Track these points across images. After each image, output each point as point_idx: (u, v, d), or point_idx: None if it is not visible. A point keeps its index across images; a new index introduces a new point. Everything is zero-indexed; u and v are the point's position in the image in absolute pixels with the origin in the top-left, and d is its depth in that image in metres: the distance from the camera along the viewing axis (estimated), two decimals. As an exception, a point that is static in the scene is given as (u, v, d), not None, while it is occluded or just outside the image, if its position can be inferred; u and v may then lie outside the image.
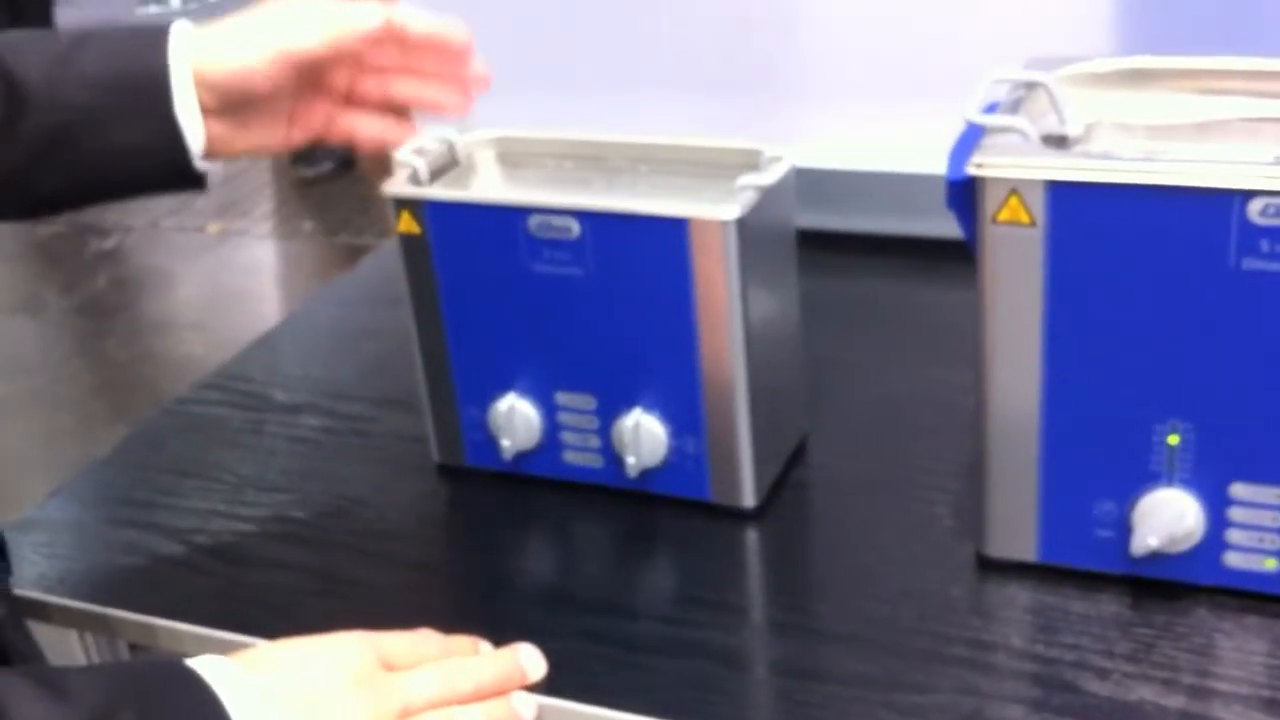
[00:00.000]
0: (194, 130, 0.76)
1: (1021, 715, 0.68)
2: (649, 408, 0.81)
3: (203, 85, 0.76)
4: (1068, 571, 0.75)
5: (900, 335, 1.02)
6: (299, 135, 0.81)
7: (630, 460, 0.81)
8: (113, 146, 0.75)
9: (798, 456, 0.88)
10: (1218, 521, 0.71)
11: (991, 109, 0.73)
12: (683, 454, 0.82)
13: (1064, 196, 0.66)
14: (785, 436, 0.87)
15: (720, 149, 0.82)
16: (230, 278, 3.31)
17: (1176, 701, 0.67)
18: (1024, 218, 0.68)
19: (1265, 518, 0.70)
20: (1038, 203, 0.67)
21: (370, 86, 0.82)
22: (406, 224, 0.82)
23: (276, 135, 0.80)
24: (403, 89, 0.83)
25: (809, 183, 1.09)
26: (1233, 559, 0.71)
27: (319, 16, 0.77)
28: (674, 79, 1.10)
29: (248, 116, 0.79)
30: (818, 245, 1.06)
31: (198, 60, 0.76)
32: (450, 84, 0.82)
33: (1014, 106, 0.74)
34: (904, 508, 0.83)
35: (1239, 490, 0.70)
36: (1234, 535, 0.71)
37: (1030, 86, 0.75)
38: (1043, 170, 0.67)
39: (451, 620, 0.78)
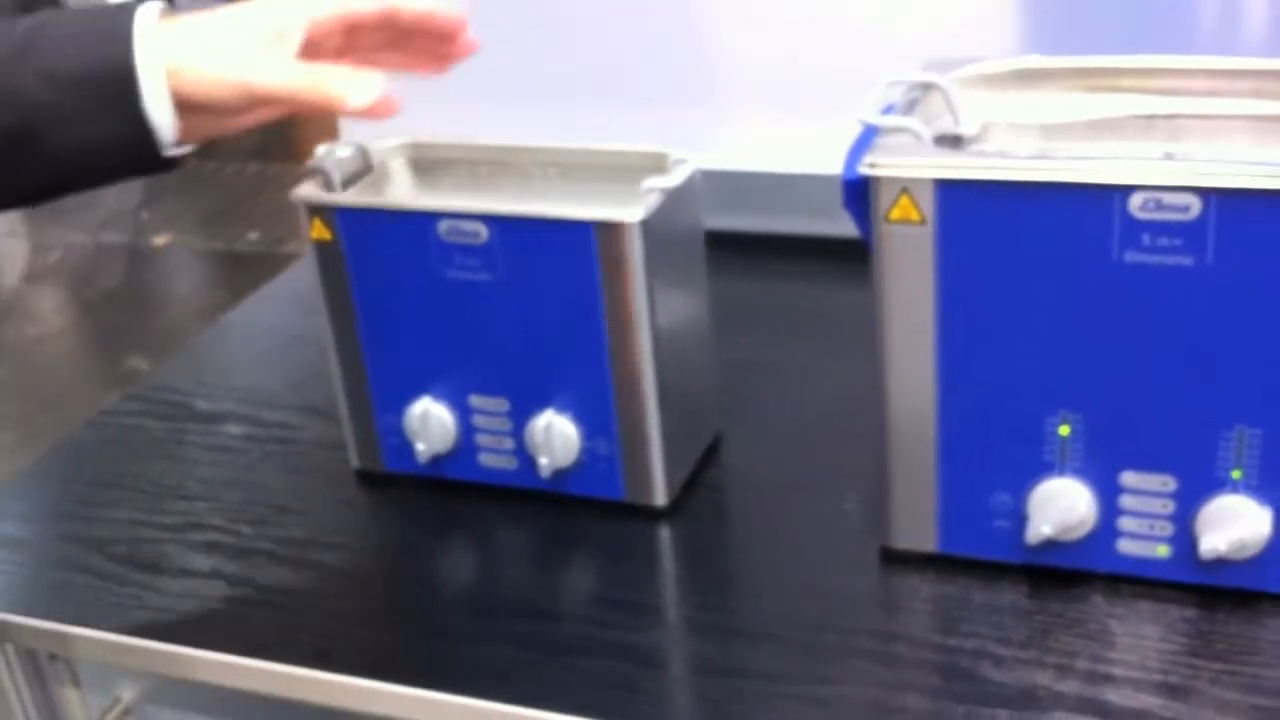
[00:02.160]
0: (165, 124, 0.71)
1: (921, 703, 0.69)
2: (561, 409, 0.82)
3: (172, 91, 0.71)
4: (968, 561, 0.76)
5: (815, 334, 1.04)
6: (277, 112, 0.78)
7: (543, 461, 0.82)
8: (78, 144, 0.71)
9: (711, 455, 0.90)
10: (1110, 510, 0.72)
11: (889, 110, 0.75)
12: (595, 454, 0.83)
13: (952, 195, 0.68)
14: (698, 436, 0.88)
15: (627, 153, 0.83)
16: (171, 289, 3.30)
17: (1071, 686, 0.69)
18: (915, 216, 0.69)
19: (1155, 505, 0.72)
20: (927, 201, 0.69)
21: (353, 60, 0.79)
22: (319, 230, 0.83)
23: (254, 117, 0.77)
24: (386, 61, 0.80)
25: (727, 186, 1.12)
26: (1125, 546, 0.73)
27: (295, 30, 0.73)
28: (593, 87, 1.11)
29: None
30: (735, 247, 1.08)
31: (166, 63, 0.71)
32: (435, 59, 0.81)
33: (909, 108, 0.76)
34: (815, 504, 0.85)
35: (1129, 479, 0.72)
36: (1126, 523, 0.73)
37: (926, 88, 0.77)
38: (931, 169, 0.68)
39: (372, 626, 0.79)
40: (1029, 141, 0.78)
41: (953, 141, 0.77)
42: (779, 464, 0.89)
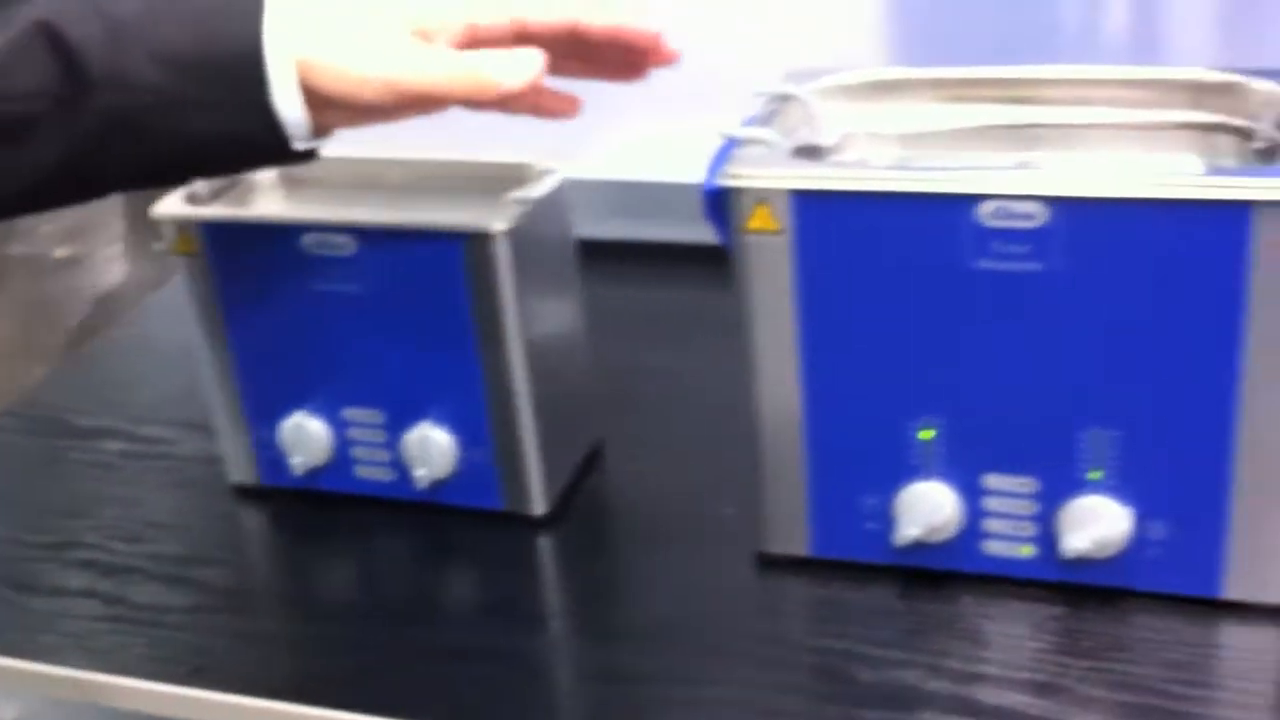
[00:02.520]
0: (296, 118, 0.64)
1: (798, 705, 0.70)
2: (436, 420, 0.82)
3: (305, 86, 0.65)
4: (841, 564, 0.77)
5: (697, 340, 1.04)
6: (431, 108, 0.69)
7: (419, 473, 0.82)
8: (195, 133, 0.64)
9: (593, 463, 0.90)
10: (975, 511, 0.73)
11: (750, 122, 0.76)
12: (472, 464, 0.83)
13: (808, 205, 0.69)
14: (577, 444, 0.88)
15: (497, 164, 0.83)
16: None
17: (942, 686, 0.70)
18: (772, 226, 0.70)
19: (1018, 506, 0.73)
20: (784, 211, 0.69)
21: None
22: (184, 244, 0.82)
23: (405, 114, 0.69)
24: (570, 69, 0.74)
25: (606, 195, 1.12)
26: (992, 547, 0.74)
27: (449, 32, 0.67)
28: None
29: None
30: (617, 255, 1.09)
31: (300, 62, 0.64)
32: (628, 68, 0.74)
33: (769, 119, 0.76)
34: (695, 509, 0.85)
35: (992, 481, 0.73)
36: (991, 524, 0.74)
37: (786, 99, 0.78)
38: (787, 180, 0.69)
39: (248, 641, 0.78)
40: (888, 151, 0.79)
41: (813, 152, 0.78)
42: (660, 470, 0.89)
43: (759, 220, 0.70)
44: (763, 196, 0.69)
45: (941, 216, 0.67)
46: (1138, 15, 1.00)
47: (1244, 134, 0.74)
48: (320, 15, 0.65)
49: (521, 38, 0.69)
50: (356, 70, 0.64)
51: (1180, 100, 0.76)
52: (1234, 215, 0.63)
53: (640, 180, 1.12)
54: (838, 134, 0.79)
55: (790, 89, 0.78)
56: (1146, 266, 0.65)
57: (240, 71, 0.63)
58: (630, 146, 1.14)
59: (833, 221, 0.69)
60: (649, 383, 0.99)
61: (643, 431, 0.93)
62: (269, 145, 0.65)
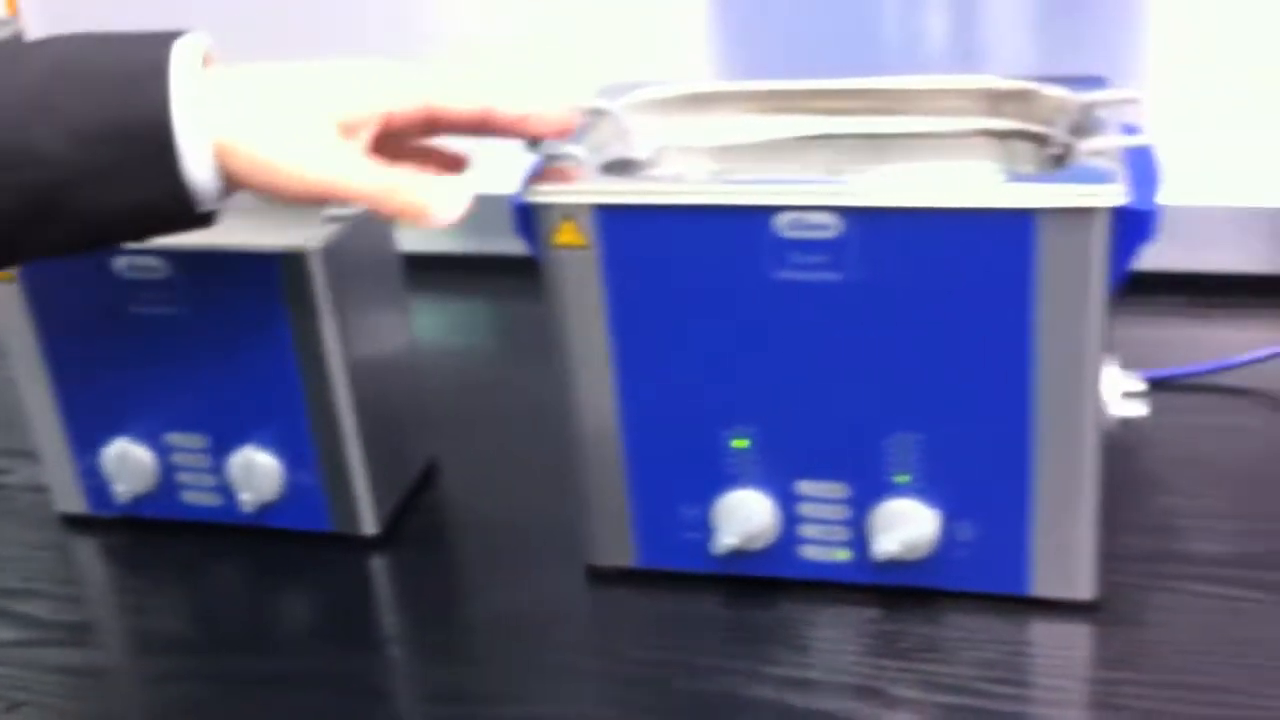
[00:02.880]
0: (208, 189, 0.63)
1: (618, 716, 0.71)
2: (260, 443, 0.82)
3: (222, 167, 0.63)
4: (666, 574, 0.78)
5: (536, 354, 1.03)
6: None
7: (244, 497, 0.82)
8: (109, 205, 0.62)
9: (428, 480, 0.90)
10: (791, 518, 0.74)
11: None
12: (299, 487, 0.82)
13: (613, 219, 0.69)
14: (408, 462, 0.88)
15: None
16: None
17: (761, 692, 0.71)
18: (579, 240, 0.70)
19: (831, 512, 0.74)
20: (589, 226, 0.70)
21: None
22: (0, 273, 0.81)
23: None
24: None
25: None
26: (809, 552, 0.75)
27: (368, 124, 0.66)
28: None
29: None
30: (457, 269, 1.09)
31: (219, 143, 0.62)
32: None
33: (583, 134, 0.77)
34: (529, 524, 0.85)
35: (805, 487, 0.74)
36: (807, 529, 0.75)
37: (600, 114, 0.79)
38: (590, 195, 0.69)
39: (72, 673, 0.77)
40: (701, 164, 0.80)
41: (625, 166, 0.78)
42: (496, 485, 0.90)
43: (566, 235, 0.70)
44: (568, 212, 0.70)
45: (740, 229, 0.68)
46: (957, 25, 1.02)
47: (1040, 140, 0.76)
48: (241, 95, 0.63)
49: (431, 123, 0.68)
50: (281, 167, 0.63)
51: (980, 108, 0.78)
52: (1018, 223, 0.64)
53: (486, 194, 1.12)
54: (651, 148, 0.80)
55: (603, 104, 0.79)
56: (938, 274, 0.66)
57: (150, 141, 0.61)
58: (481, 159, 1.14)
59: (637, 235, 0.70)
60: (485, 397, 0.99)
61: (479, 446, 0.93)
62: (178, 213, 0.64)
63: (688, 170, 0.80)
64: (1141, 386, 0.76)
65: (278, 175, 0.63)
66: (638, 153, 0.79)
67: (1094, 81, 0.76)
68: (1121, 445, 0.85)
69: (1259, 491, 0.81)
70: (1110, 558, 0.76)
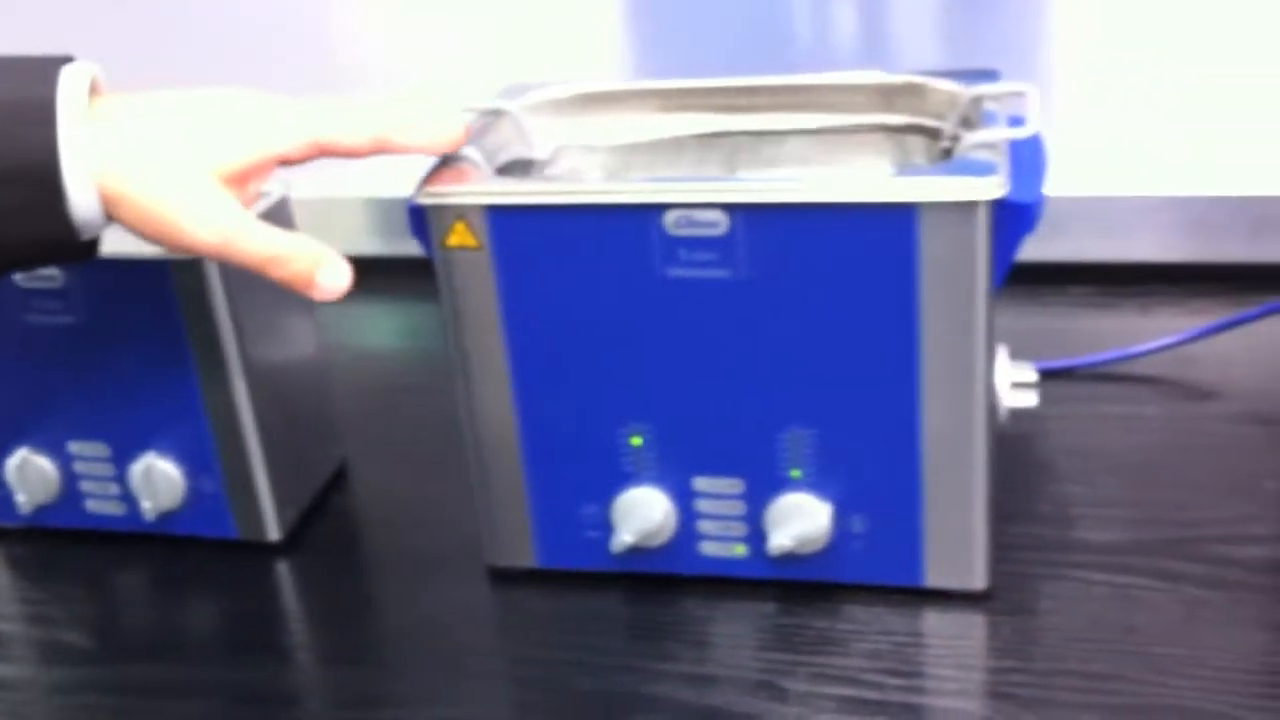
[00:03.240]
0: (96, 222, 0.63)
1: (516, 717, 0.71)
2: (161, 451, 0.81)
3: (108, 213, 0.63)
4: (568, 574, 0.78)
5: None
6: None
7: (146, 505, 0.81)
8: None
9: (338, 483, 0.90)
10: (689, 514, 0.75)
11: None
12: (201, 494, 0.82)
13: (504, 220, 0.69)
14: (314, 466, 0.88)
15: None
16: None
17: (663, 689, 0.71)
18: (471, 242, 0.70)
19: (728, 507, 0.74)
20: (481, 227, 0.70)
21: None
22: (-111, 284, 0.80)
23: None
24: None
25: (371, 212, 1.12)
26: (708, 548, 0.76)
27: (261, 172, 0.67)
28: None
29: None
30: (378, 271, 1.08)
31: (101, 185, 0.62)
32: None
33: (482, 134, 0.77)
34: (437, 526, 0.85)
35: (701, 483, 0.74)
36: (705, 526, 0.75)
37: (499, 114, 0.79)
38: (480, 196, 0.69)
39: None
40: (599, 163, 0.80)
41: (524, 166, 0.78)
42: (406, 487, 0.90)
43: (458, 236, 0.70)
44: (459, 213, 0.70)
45: (629, 227, 0.68)
46: (865, 22, 1.03)
47: (932, 134, 0.77)
48: (128, 143, 0.63)
49: (323, 155, 0.68)
50: (170, 228, 0.63)
51: (875, 104, 0.79)
52: (900, 217, 0.65)
53: (398, 197, 1.12)
54: (550, 148, 0.80)
55: (502, 104, 0.79)
56: (824, 270, 0.67)
57: (38, 186, 0.61)
58: (391, 164, 1.14)
59: (528, 235, 0.70)
60: (398, 399, 0.99)
61: (390, 449, 0.93)
62: (66, 247, 0.64)
63: (586, 169, 0.80)
64: (1033, 377, 0.77)
65: (165, 233, 0.64)
66: (537, 153, 0.80)
67: (986, 75, 0.77)
68: (1021, 435, 0.87)
69: (1155, 479, 0.82)
70: (1005, 547, 0.77)
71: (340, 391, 0.94)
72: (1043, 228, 1.05)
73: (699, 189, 0.67)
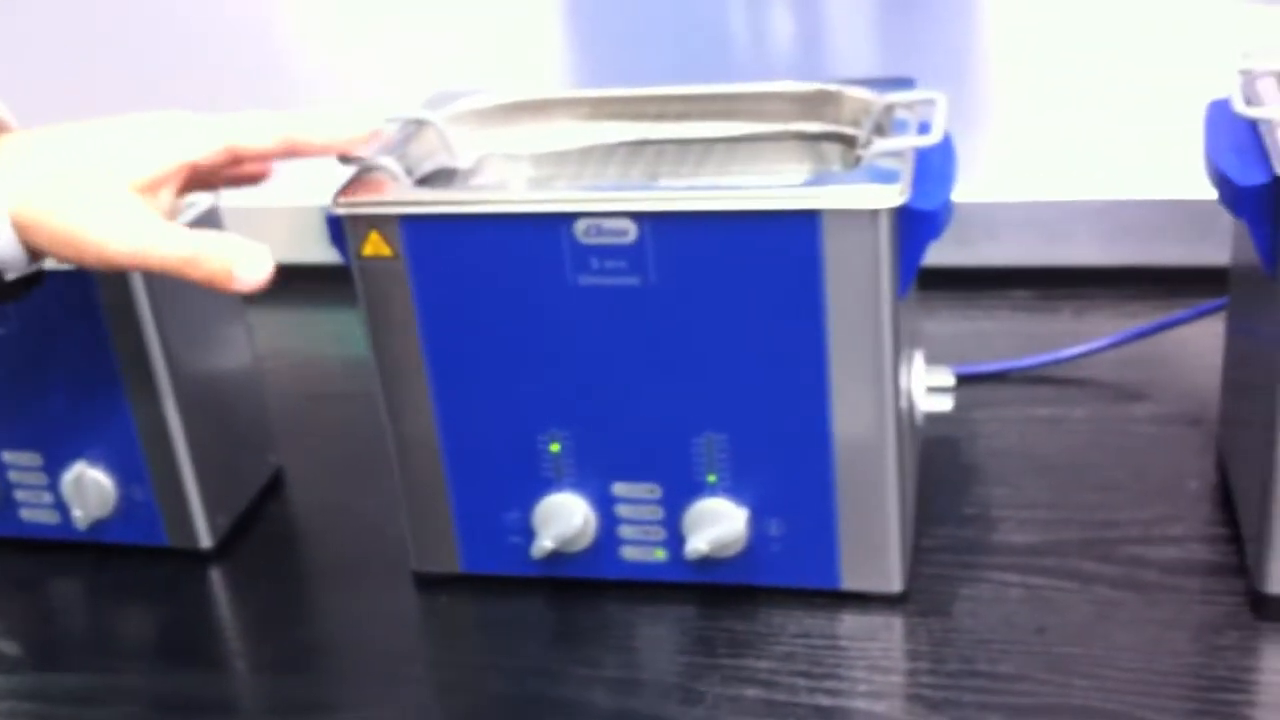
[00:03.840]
0: (15, 259, 0.64)
1: (437, 722, 0.72)
2: (92, 460, 0.82)
3: (23, 241, 0.64)
4: (492, 579, 0.79)
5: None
6: None
7: (77, 514, 0.82)
8: None
9: (273, 491, 0.90)
10: (609, 519, 0.75)
11: (382, 148, 0.77)
12: (133, 502, 0.82)
13: (418, 229, 0.70)
14: (247, 474, 0.88)
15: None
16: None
17: (582, 693, 0.71)
18: (386, 251, 0.71)
19: (647, 512, 0.75)
20: (395, 237, 0.70)
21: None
22: None
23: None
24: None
25: (317, 218, 1.12)
26: (629, 552, 0.76)
27: (171, 179, 0.67)
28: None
29: None
30: (318, 279, 1.09)
31: (13, 213, 0.63)
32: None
33: (404, 144, 0.77)
34: (368, 532, 0.86)
35: (620, 489, 0.75)
36: (625, 530, 0.76)
37: (421, 124, 0.79)
38: (394, 206, 0.70)
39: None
40: (522, 172, 0.81)
41: (447, 176, 0.79)
42: (340, 495, 0.90)
43: (373, 246, 0.71)
44: (374, 222, 0.71)
45: (541, 236, 0.69)
46: (804, 31, 1.04)
47: (849, 141, 0.77)
48: (37, 168, 0.64)
49: (235, 160, 0.70)
50: (83, 241, 0.63)
51: (794, 112, 0.79)
52: (804, 224, 0.66)
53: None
54: (474, 157, 0.81)
55: (425, 115, 0.80)
56: (731, 277, 0.67)
57: None
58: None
59: (443, 245, 0.70)
60: (339, 406, 0.99)
61: (326, 456, 0.94)
62: None
63: (510, 179, 0.81)
64: (950, 381, 0.77)
65: (82, 250, 0.64)
66: (460, 163, 0.80)
67: (902, 83, 0.78)
68: (949, 438, 0.87)
69: (1077, 481, 0.82)
70: (926, 550, 0.78)
71: (279, 400, 0.94)
72: (984, 232, 1.08)
73: (607, 198, 0.68)
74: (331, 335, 1.06)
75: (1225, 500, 0.79)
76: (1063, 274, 1.06)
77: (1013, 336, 1.00)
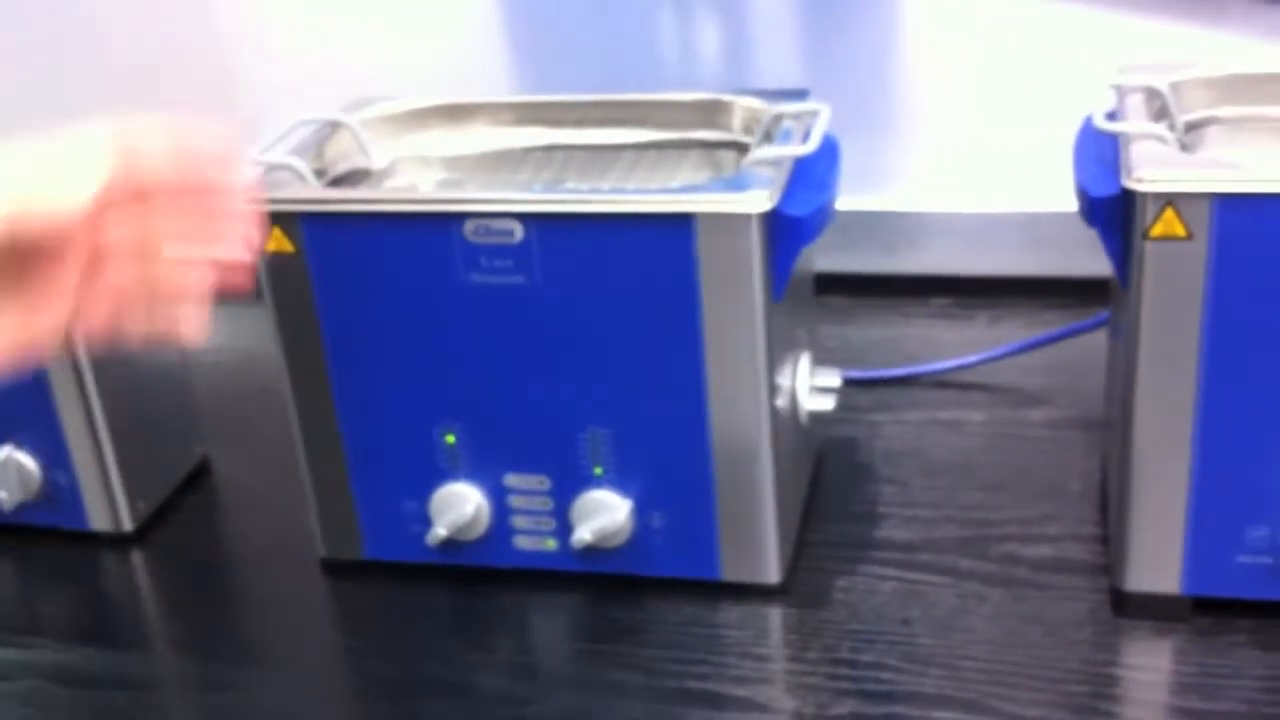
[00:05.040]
0: None
1: (326, 708, 0.74)
2: (19, 444, 0.85)
3: None
4: (393, 566, 0.82)
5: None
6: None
7: (2, 495, 0.85)
8: None
9: (197, 479, 0.93)
10: (502, 509, 0.78)
11: (293, 147, 0.80)
12: (56, 486, 0.86)
13: (317, 227, 0.73)
14: (171, 462, 0.91)
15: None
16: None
17: (467, 676, 0.74)
18: (288, 247, 0.74)
19: (537, 503, 0.78)
20: (297, 234, 0.73)
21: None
22: None
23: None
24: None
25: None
26: (521, 542, 0.79)
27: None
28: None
29: None
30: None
31: None
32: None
33: (319, 145, 0.80)
34: (286, 520, 0.88)
35: (512, 480, 0.77)
36: (518, 520, 0.78)
37: (336, 126, 0.83)
38: (294, 204, 0.73)
39: None
40: (434, 174, 0.84)
41: (362, 176, 0.82)
42: (261, 484, 0.93)
43: (275, 242, 0.74)
44: (276, 219, 0.74)
45: (433, 234, 0.72)
46: (729, 43, 1.06)
47: (741, 149, 0.80)
48: None
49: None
50: None
51: (696, 120, 0.82)
52: (678, 228, 0.69)
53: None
54: (387, 160, 0.84)
55: (340, 117, 0.83)
56: (611, 277, 0.70)
57: None
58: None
59: (341, 242, 0.73)
60: (268, 399, 1.02)
61: (252, 448, 0.97)
62: None
63: (421, 181, 0.84)
64: (836, 382, 0.80)
65: None
66: (375, 164, 0.83)
67: (795, 94, 0.81)
68: (848, 439, 0.90)
69: (965, 481, 0.85)
70: (811, 544, 0.80)
71: (210, 393, 0.98)
72: (907, 241, 1.11)
73: (493, 199, 0.71)
74: (264, 330, 1.09)
75: (1105, 502, 0.81)
76: (981, 283, 1.09)
77: (926, 342, 1.02)
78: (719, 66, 1.07)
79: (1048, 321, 1.03)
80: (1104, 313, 0.92)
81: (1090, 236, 1.05)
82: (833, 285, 1.00)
